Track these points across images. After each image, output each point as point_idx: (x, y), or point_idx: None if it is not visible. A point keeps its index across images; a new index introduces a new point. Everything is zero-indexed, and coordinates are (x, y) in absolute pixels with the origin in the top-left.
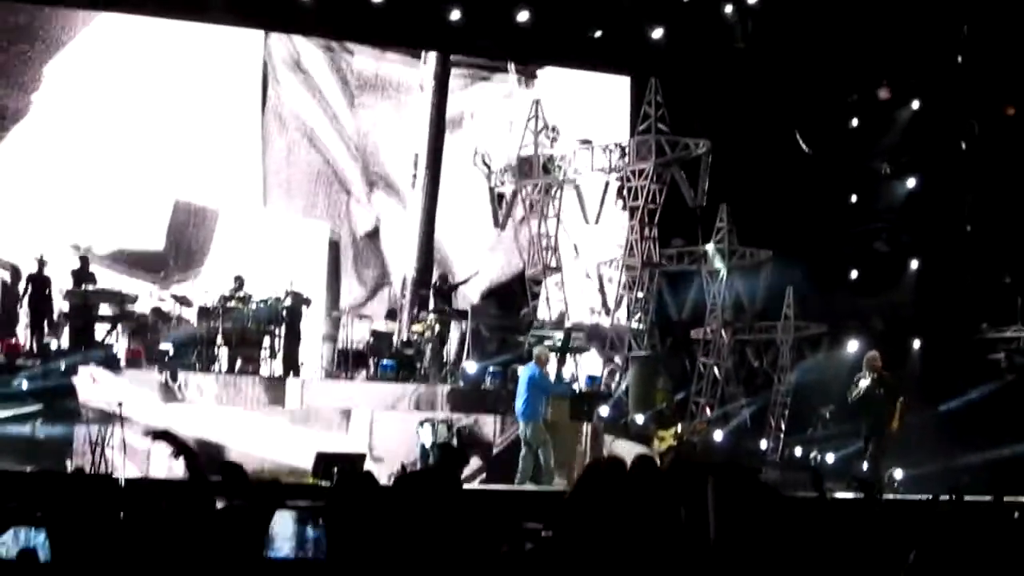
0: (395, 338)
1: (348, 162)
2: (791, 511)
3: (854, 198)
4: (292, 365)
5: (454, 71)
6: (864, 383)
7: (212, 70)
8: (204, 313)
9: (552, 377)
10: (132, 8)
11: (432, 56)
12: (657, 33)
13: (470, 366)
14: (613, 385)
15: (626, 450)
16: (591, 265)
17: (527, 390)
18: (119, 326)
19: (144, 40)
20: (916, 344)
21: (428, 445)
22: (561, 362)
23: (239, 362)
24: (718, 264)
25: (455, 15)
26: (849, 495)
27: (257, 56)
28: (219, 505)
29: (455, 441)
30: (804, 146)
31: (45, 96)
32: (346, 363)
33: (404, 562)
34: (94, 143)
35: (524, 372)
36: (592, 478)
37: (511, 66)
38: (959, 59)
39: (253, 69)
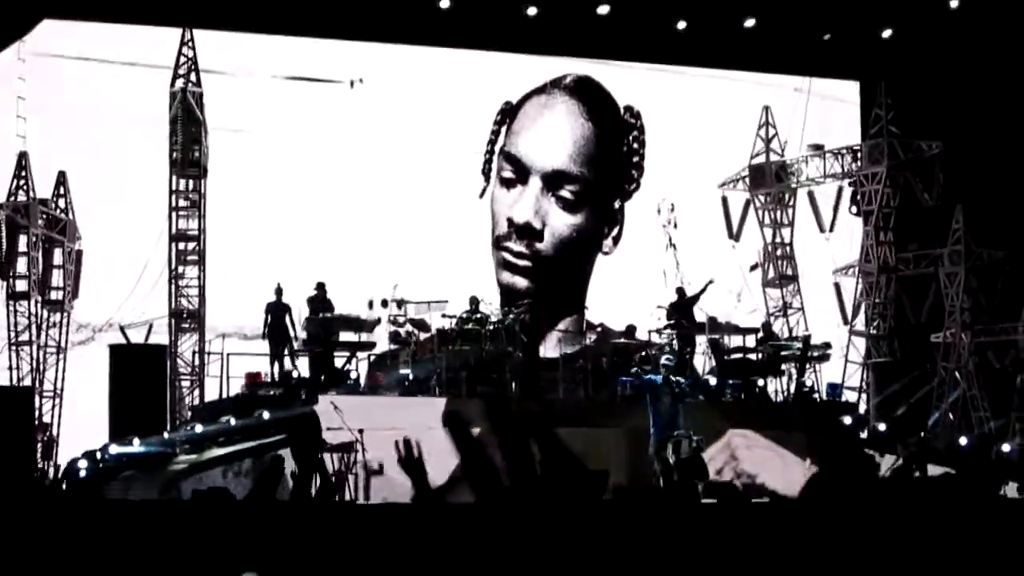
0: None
1: None
2: None
3: None
4: (531, 386)
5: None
6: None
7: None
8: (442, 337)
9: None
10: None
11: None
12: (886, 33)
13: (710, 379)
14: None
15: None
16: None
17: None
18: (358, 353)
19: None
20: None
21: (672, 461)
22: (801, 371)
23: (478, 386)
24: (955, 266)
25: (681, 24)
26: None
27: None
28: None
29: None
30: None
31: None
32: (586, 381)
33: None
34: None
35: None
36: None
37: None
38: None
39: None
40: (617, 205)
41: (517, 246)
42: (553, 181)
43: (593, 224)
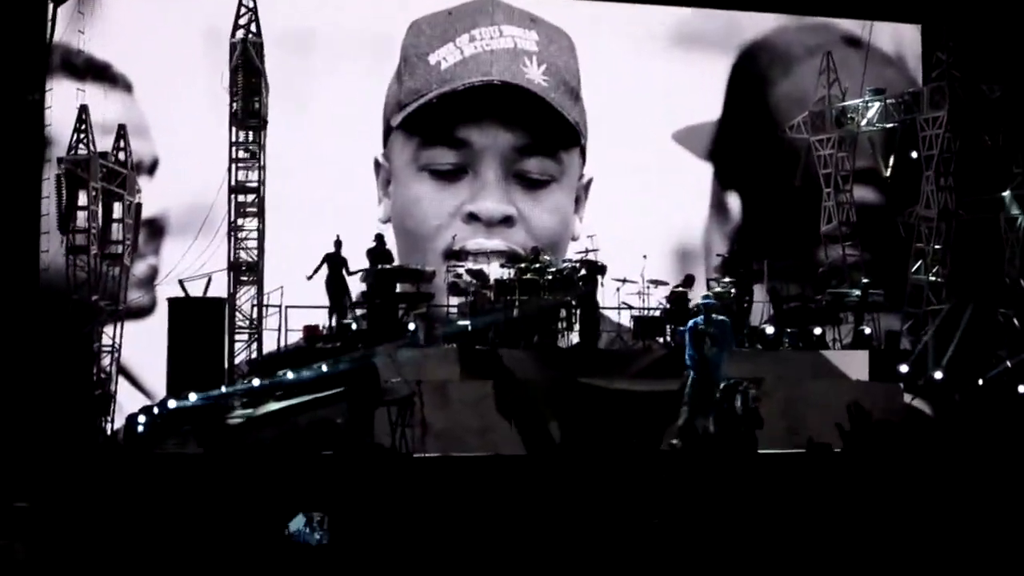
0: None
1: None
2: None
3: None
4: (590, 336)
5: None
6: None
7: None
8: (501, 287)
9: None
10: None
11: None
12: None
13: (768, 328)
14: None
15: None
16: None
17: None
18: (417, 304)
19: None
20: None
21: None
22: (859, 319)
23: (536, 336)
24: (1016, 211)
25: None
26: None
27: None
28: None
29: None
30: None
31: None
32: (642, 331)
33: None
34: None
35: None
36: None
37: None
38: None
39: None
40: None
41: None
42: None
43: None
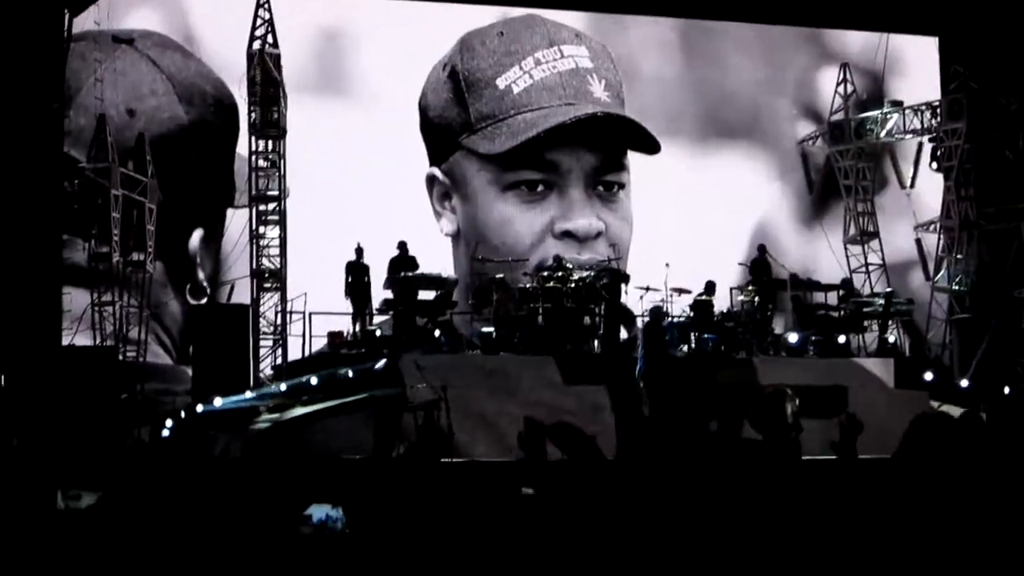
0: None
1: None
2: None
3: None
4: (612, 344)
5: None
6: None
7: None
8: (524, 295)
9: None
10: None
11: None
12: None
13: (791, 336)
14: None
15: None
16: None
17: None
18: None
19: None
20: None
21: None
22: (883, 328)
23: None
24: None
25: None
26: None
27: None
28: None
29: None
30: None
31: None
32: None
33: None
34: None
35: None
36: (919, 432)
37: None
38: None
39: None
40: None
41: None
42: None
43: None
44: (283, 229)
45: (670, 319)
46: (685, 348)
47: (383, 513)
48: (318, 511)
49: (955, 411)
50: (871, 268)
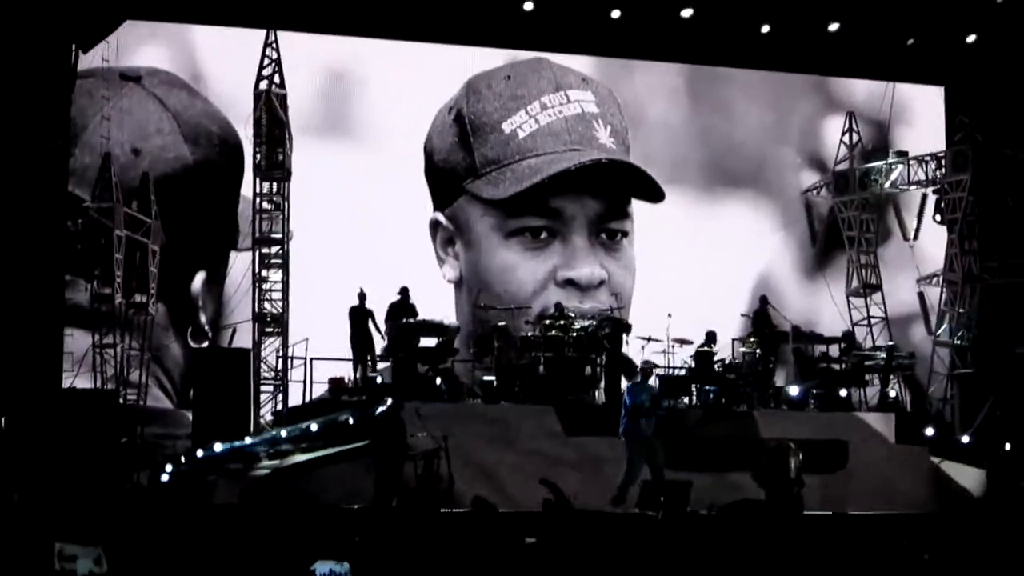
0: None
1: None
2: None
3: None
4: (614, 394)
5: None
6: None
7: None
8: (526, 344)
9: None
10: None
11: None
12: (971, 38)
13: (792, 389)
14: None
15: (956, 472)
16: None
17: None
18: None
19: None
20: None
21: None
22: (884, 382)
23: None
24: None
25: (765, 28)
26: None
27: None
28: None
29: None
30: None
31: None
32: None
33: None
34: None
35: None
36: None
37: None
38: None
39: None
40: None
41: None
42: None
43: None
44: (286, 273)
45: (666, 371)
46: (674, 402)
47: (387, 567)
48: (322, 567)
49: (958, 468)
50: (873, 321)
